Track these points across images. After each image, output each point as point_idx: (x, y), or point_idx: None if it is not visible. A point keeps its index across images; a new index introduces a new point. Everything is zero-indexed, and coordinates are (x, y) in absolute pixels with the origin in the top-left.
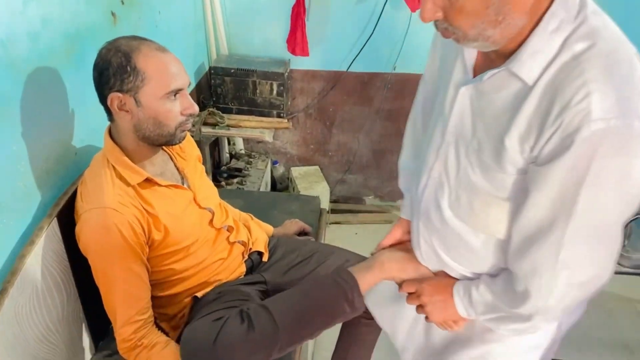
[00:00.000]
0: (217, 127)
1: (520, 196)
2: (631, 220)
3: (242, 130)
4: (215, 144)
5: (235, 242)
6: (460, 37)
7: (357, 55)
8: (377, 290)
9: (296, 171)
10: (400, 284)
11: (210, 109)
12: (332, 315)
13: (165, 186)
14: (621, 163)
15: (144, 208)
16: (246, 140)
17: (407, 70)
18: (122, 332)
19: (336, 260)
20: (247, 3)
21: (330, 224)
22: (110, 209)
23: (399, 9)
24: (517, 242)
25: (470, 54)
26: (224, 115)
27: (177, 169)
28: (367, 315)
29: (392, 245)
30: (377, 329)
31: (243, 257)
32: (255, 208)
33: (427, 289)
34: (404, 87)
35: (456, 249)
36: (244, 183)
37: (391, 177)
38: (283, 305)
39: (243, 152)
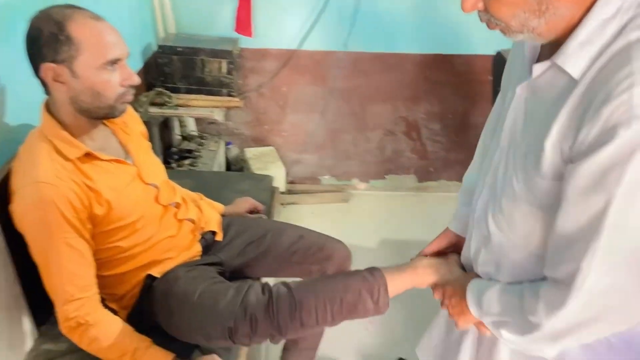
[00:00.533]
0: (165, 107)
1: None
2: None
3: (192, 109)
4: (166, 125)
5: (184, 219)
6: (504, 29)
7: (307, 34)
8: (428, 337)
9: (250, 152)
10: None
11: (158, 89)
12: (354, 307)
13: (107, 161)
14: None
15: (84, 183)
16: (198, 122)
17: (359, 49)
18: (64, 311)
19: (291, 237)
20: None
21: (286, 204)
22: (46, 184)
23: None
24: (549, 253)
25: (531, 50)
26: (173, 95)
27: (121, 144)
28: None
29: (432, 255)
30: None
31: (194, 236)
32: (205, 188)
33: (448, 291)
34: (357, 66)
35: (502, 264)
36: (195, 165)
37: (346, 157)
38: (306, 287)
39: (195, 133)
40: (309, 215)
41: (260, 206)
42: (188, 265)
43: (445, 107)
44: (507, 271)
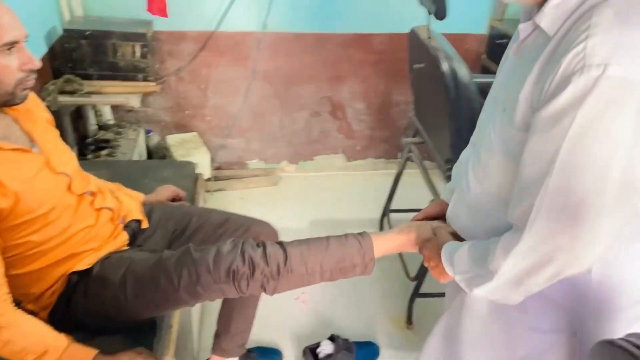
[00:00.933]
0: (76, 95)
1: None
2: None
3: (105, 96)
4: (80, 115)
5: (101, 207)
6: None
7: (224, 15)
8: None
9: (172, 139)
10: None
11: (67, 76)
12: (342, 262)
13: (11, 150)
14: (609, 120)
15: None
16: (115, 110)
17: (279, 29)
18: None
19: (216, 220)
20: None
21: (213, 191)
22: None
23: None
24: (512, 199)
25: (523, 18)
26: (84, 81)
27: (25, 133)
28: None
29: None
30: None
31: (116, 225)
32: (124, 178)
33: (427, 254)
34: (278, 46)
35: (477, 216)
36: (113, 155)
37: (273, 139)
38: (297, 243)
39: (112, 122)
40: (237, 200)
41: (182, 193)
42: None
43: (368, 86)
44: (482, 223)
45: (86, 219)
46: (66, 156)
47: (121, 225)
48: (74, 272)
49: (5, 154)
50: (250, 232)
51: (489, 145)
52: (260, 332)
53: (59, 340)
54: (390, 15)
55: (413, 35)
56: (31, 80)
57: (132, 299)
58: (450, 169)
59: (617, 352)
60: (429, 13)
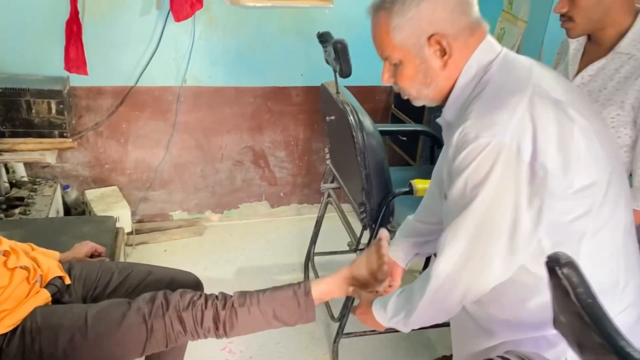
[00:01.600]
0: None
1: None
2: (391, 199)
3: (18, 154)
4: None
5: (15, 267)
6: (409, 97)
7: (144, 70)
8: None
9: (91, 194)
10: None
11: None
12: (282, 317)
13: None
14: (488, 171)
15: None
16: (29, 167)
17: (197, 83)
18: None
19: (138, 274)
20: (14, 19)
21: (136, 245)
22: None
23: (182, 22)
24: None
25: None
26: None
27: None
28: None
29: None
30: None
31: (32, 285)
32: (40, 236)
33: (357, 308)
34: (198, 99)
35: None
36: (27, 212)
37: (196, 189)
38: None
39: (26, 179)
40: (161, 253)
41: (101, 248)
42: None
43: (288, 135)
44: None
45: (0, 280)
46: None
47: (37, 284)
48: None
49: None
50: (175, 283)
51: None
52: None
53: None
54: (305, 70)
55: (323, 89)
56: None
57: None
58: (363, 212)
59: None
60: (334, 72)
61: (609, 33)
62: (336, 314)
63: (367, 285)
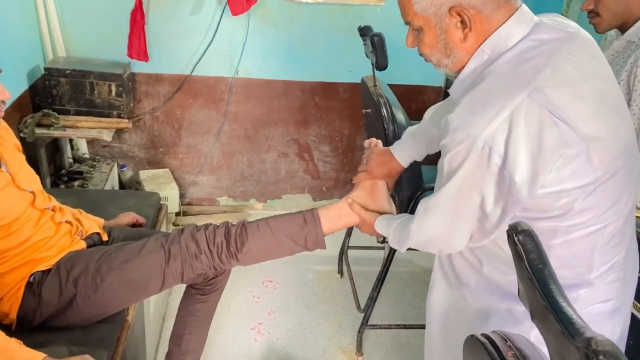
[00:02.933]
0: (51, 128)
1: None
2: (420, 194)
3: (79, 130)
4: (56, 148)
5: (61, 221)
6: (431, 63)
7: (199, 60)
8: None
9: (145, 174)
10: None
11: (45, 111)
12: (290, 229)
13: None
14: (462, 160)
15: None
16: (90, 144)
17: (248, 75)
18: None
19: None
20: (85, 7)
21: (182, 225)
22: None
23: (237, 17)
24: None
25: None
26: (60, 116)
27: None
28: (202, 292)
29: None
30: (213, 305)
31: (73, 238)
32: (89, 205)
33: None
34: (249, 91)
35: None
36: (85, 186)
37: (242, 178)
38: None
39: (87, 156)
40: None
41: (142, 219)
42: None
43: (333, 130)
44: None
45: (47, 231)
46: (30, 176)
47: (78, 237)
48: (35, 272)
49: None
50: None
51: None
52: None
53: (8, 343)
54: (353, 66)
55: (363, 83)
56: (1, 111)
57: (115, 268)
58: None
59: (477, 345)
60: (372, 65)
61: (629, 25)
62: (362, 305)
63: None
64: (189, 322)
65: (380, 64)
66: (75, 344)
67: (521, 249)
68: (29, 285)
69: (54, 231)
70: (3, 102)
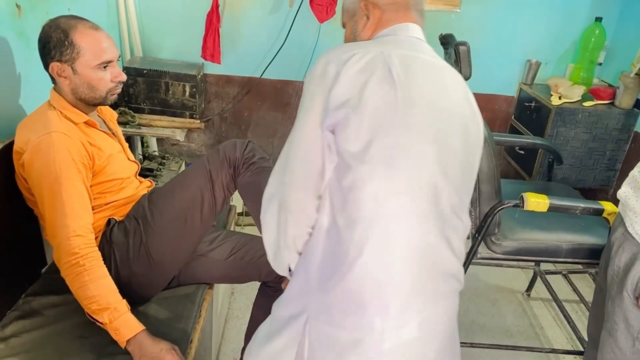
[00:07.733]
0: (127, 125)
1: None
2: (499, 210)
3: (153, 129)
4: (129, 145)
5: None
6: None
7: (270, 63)
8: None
9: None
10: None
11: (122, 108)
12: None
13: (103, 132)
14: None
15: (88, 141)
16: (160, 143)
17: None
18: (66, 245)
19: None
20: (162, 8)
21: (244, 225)
22: (59, 133)
23: (309, 20)
24: None
25: None
26: (136, 114)
27: (107, 127)
28: (274, 289)
29: None
30: None
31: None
32: None
33: None
34: None
35: None
36: (155, 182)
37: None
38: None
39: (157, 153)
40: None
41: None
42: None
43: None
44: None
45: (136, 192)
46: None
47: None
48: (111, 218)
49: (99, 133)
50: None
51: None
52: None
53: (121, 304)
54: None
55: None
56: (119, 89)
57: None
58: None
59: None
60: None
61: None
62: None
63: None
64: (263, 318)
65: (464, 74)
66: None
67: None
68: (104, 234)
69: (136, 189)
70: (120, 82)
